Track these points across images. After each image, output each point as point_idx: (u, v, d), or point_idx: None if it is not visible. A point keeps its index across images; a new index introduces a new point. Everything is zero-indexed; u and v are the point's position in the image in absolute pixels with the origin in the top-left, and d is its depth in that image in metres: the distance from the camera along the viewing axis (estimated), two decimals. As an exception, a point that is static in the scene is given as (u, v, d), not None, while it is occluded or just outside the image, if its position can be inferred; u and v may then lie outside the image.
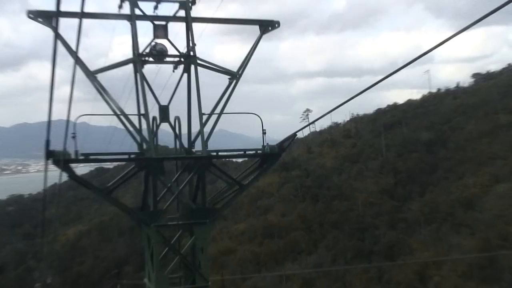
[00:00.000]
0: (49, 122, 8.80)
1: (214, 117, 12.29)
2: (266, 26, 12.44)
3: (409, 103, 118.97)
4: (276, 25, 12.43)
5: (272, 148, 12.35)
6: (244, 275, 69.53)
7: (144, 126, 11.99)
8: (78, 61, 10.99)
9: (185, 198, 12.54)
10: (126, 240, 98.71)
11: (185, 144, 12.96)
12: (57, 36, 7.62)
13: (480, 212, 66.54)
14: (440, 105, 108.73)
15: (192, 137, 12.97)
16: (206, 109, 12.24)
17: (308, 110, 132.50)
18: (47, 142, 10.04)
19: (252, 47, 12.63)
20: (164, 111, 12.64)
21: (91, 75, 11.26)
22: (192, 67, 12.01)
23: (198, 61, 12.03)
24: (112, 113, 11.63)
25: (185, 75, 12.36)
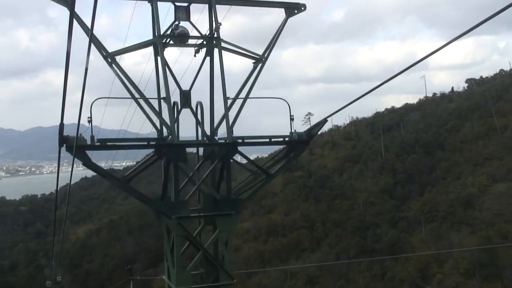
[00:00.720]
0: (63, 101, 7.47)
1: (237, 104, 10.91)
2: (292, 9, 11.25)
3: (406, 106, 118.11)
4: (302, 8, 11.29)
5: (300, 135, 10.96)
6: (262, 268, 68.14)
7: (165, 112, 10.64)
8: (94, 41, 9.80)
9: (207, 188, 11.21)
10: (134, 238, 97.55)
11: (206, 132, 11.50)
12: (73, 14, 6.40)
13: (480, 210, 65.50)
14: (436, 109, 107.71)
15: (215, 125, 11.57)
16: (228, 95, 10.93)
17: (309, 113, 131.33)
18: (61, 127, 8.76)
19: (278, 30, 11.35)
20: (185, 96, 11.35)
21: (109, 56, 10.04)
22: (216, 49, 10.73)
23: (223, 44, 10.76)
24: (130, 97, 10.31)
25: (208, 59, 11.07)
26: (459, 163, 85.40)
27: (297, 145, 11.04)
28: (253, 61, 11.34)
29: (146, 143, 10.51)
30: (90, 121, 9.52)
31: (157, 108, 10.71)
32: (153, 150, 10.79)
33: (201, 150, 12.17)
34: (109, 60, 10.17)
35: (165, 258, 11.33)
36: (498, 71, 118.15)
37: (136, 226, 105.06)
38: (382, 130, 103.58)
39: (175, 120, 10.76)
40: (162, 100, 10.94)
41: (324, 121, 10.68)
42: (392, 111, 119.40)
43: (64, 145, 9.47)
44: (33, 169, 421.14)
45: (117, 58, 10.25)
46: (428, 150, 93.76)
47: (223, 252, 10.87)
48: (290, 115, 10.95)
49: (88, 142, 9.57)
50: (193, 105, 11.34)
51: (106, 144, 9.80)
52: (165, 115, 10.61)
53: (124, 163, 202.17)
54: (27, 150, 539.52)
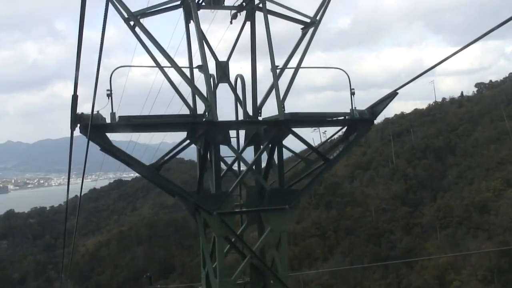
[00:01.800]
0: (77, 65, 5.69)
1: (285, 79, 9.03)
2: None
3: (416, 112, 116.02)
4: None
5: (362, 113, 9.13)
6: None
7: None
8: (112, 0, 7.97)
9: (254, 177, 9.31)
10: (144, 249, 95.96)
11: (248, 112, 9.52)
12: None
13: (496, 215, 63.22)
14: (446, 114, 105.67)
15: (258, 102, 9.77)
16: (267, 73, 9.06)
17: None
18: (74, 101, 6.97)
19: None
20: (223, 68, 9.50)
21: (132, 18, 8.24)
22: (258, 13, 8.95)
23: (268, 3, 8.91)
24: (154, 65, 8.44)
25: (247, 24, 9.30)
26: (471, 168, 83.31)
27: (359, 125, 9.18)
28: (302, 26, 9.45)
29: (180, 121, 8.49)
30: (109, 95, 7.73)
31: (186, 81, 8.77)
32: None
33: (241, 134, 10.14)
34: (132, 23, 8.42)
35: (202, 265, 9.53)
36: (507, 75, 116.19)
37: (146, 237, 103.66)
38: (392, 136, 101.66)
39: (214, 92, 8.93)
40: (195, 71, 9.07)
41: (394, 93, 8.80)
42: (401, 117, 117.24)
43: (78, 125, 7.62)
44: (42, 182, 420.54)
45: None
46: (439, 156, 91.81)
47: (274, 256, 9.07)
48: (351, 89, 9.08)
49: (108, 120, 7.74)
50: (231, 80, 9.54)
51: (132, 122, 7.85)
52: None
53: (132, 174, 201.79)
54: (35, 162, 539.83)
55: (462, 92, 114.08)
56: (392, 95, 8.87)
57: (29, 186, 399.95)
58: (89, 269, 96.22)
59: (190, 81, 8.88)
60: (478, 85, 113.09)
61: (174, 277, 79.24)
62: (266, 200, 8.99)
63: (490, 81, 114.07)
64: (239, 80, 9.62)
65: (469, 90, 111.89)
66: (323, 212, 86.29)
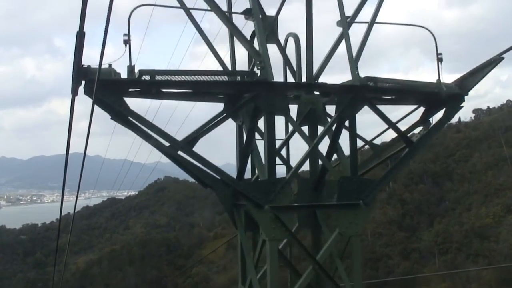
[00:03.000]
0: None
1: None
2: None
3: (412, 136, 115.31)
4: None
5: (450, 88, 7.60)
6: None
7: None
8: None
9: (323, 161, 7.51)
10: (136, 269, 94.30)
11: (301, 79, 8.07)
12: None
13: (496, 242, 62.13)
14: (444, 139, 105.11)
15: (315, 69, 7.95)
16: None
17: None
18: (79, 41, 5.26)
19: None
20: (270, 24, 7.79)
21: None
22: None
23: None
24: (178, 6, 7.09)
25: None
26: (469, 193, 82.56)
27: (446, 102, 7.57)
28: None
29: (221, 77, 6.52)
30: (127, 41, 6.13)
31: (230, 28, 7.08)
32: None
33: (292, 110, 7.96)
34: None
35: (241, 280, 7.79)
36: (505, 102, 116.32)
37: (138, 256, 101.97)
38: (389, 160, 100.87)
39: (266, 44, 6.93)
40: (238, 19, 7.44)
41: (499, 59, 7.11)
42: (397, 140, 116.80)
43: (83, 83, 5.99)
44: (34, 198, 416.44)
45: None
46: (436, 181, 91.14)
47: (338, 268, 7.63)
48: (437, 54, 7.70)
49: (124, 76, 6.05)
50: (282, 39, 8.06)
51: (155, 80, 6.02)
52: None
53: (126, 193, 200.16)
54: (28, 179, 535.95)
55: (459, 118, 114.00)
56: (496, 60, 7.18)
57: (22, 202, 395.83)
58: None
59: (233, 27, 7.05)
60: (475, 111, 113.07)
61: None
62: (324, 194, 7.38)
63: (488, 107, 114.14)
64: (290, 40, 7.99)
65: (466, 116, 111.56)
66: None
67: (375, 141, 8.43)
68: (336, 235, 7.28)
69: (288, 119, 7.44)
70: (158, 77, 6.15)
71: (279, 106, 6.72)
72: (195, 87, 6.61)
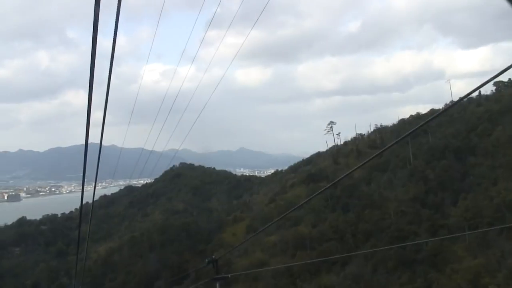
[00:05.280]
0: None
1: None
2: None
3: (432, 112, 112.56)
4: None
5: None
6: None
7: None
8: None
9: None
10: (156, 255, 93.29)
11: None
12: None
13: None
14: (464, 113, 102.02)
15: None
16: None
17: (332, 122, 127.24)
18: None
19: None
20: None
21: None
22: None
23: None
24: None
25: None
26: (493, 167, 79.45)
27: None
28: None
29: None
30: None
31: None
32: None
33: None
34: None
35: None
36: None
37: (158, 242, 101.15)
38: (409, 137, 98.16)
39: None
40: None
41: None
42: (417, 117, 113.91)
43: None
44: (53, 189, 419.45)
45: None
46: (458, 156, 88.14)
47: None
48: None
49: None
50: None
51: None
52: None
53: (142, 181, 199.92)
54: (46, 170, 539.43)
55: (480, 91, 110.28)
56: None
57: (41, 194, 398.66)
58: (102, 275, 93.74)
59: None
60: (496, 83, 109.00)
61: (188, 283, 76.15)
62: None
63: (509, 79, 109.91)
64: None
65: (487, 89, 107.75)
66: (340, 215, 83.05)
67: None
68: None
69: None
70: None
71: None
72: None
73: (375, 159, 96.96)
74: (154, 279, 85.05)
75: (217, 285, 16.79)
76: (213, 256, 16.67)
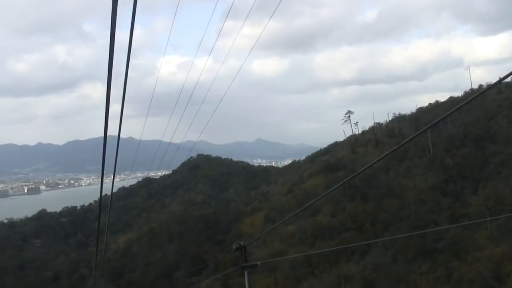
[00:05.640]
0: None
1: None
2: None
3: (451, 100, 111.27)
4: None
5: None
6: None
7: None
8: None
9: None
10: (175, 246, 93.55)
11: None
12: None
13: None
14: (483, 101, 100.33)
15: None
16: None
17: (349, 111, 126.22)
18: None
19: None
20: None
21: None
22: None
23: None
24: None
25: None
26: (515, 155, 78.28)
27: None
28: None
29: None
30: None
31: None
32: None
33: None
34: None
35: None
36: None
37: (176, 233, 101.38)
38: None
39: None
40: None
41: None
42: (436, 105, 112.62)
43: None
44: (72, 182, 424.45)
45: None
46: (478, 144, 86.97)
47: None
48: None
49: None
50: None
51: None
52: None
53: (160, 173, 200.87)
54: (65, 163, 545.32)
55: (500, 78, 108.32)
56: None
57: (60, 186, 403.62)
58: (121, 267, 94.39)
59: None
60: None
61: (207, 273, 76.40)
62: None
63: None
64: None
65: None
66: (359, 205, 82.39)
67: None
68: None
69: None
70: None
71: None
72: None
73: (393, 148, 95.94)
74: (174, 270, 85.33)
75: (246, 273, 15.98)
76: (241, 243, 15.70)
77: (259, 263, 16.05)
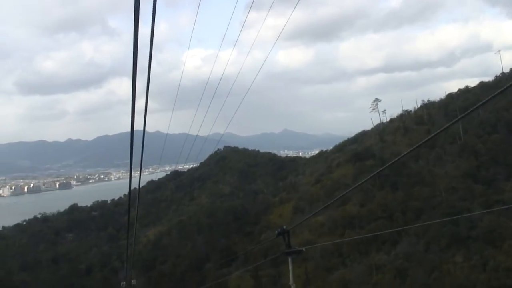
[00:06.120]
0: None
1: None
2: None
3: (482, 85, 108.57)
4: None
5: None
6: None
7: None
8: None
9: None
10: (205, 238, 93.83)
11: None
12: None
13: None
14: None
15: None
16: None
17: (377, 99, 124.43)
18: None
19: None
20: None
21: None
22: None
23: None
24: None
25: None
26: (550, 139, 76.08)
27: None
28: None
29: None
30: None
31: None
32: None
33: None
34: None
35: None
36: None
37: (206, 225, 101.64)
38: (458, 111, 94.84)
39: None
40: None
41: None
42: (465, 91, 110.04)
43: None
44: (102, 176, 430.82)
45: None
46: (511, 129, 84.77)
47: None
48: None
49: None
50: None
51: None
52: None
53: (188, 166, 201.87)
54: (95, 158, 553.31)
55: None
56: None
57: (90, 181, 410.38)
58: (152, 259, 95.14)
59: None
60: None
61: (237, 265, 76.43)
62: None
63: None
64: None
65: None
66: (389, 194, 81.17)
67: None
68: None
69: None
70: None
71: None
72: None
73: (423, 135, 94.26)
74: (204, 262, 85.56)
75: (289, 260, 14.98)
76: (284, 227, 14.57)
77: (304, 249, 14.88)
